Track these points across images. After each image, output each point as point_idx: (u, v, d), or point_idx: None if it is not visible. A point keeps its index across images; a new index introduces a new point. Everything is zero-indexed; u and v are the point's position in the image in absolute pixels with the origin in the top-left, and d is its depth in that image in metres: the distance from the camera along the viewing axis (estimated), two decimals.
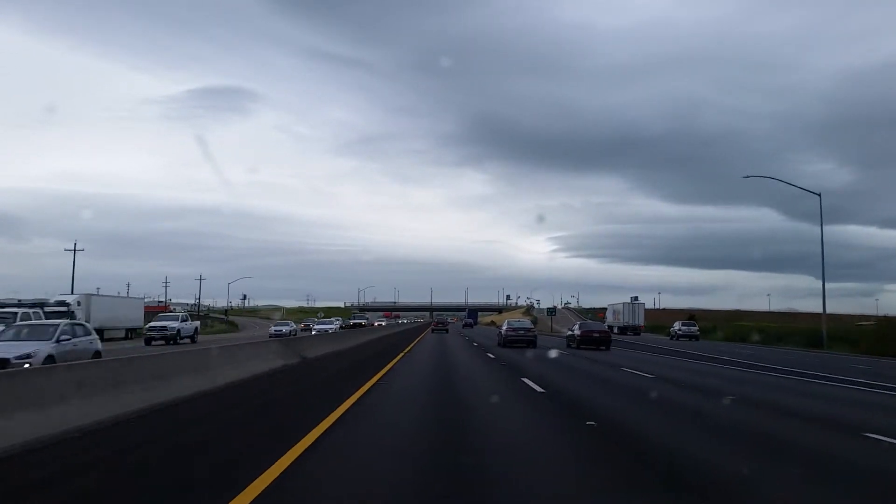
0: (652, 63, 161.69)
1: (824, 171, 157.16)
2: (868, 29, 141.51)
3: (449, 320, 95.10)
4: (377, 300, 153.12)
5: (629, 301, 69.24)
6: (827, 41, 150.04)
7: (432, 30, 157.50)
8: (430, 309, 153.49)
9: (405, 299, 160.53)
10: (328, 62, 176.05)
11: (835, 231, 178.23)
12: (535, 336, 33.73)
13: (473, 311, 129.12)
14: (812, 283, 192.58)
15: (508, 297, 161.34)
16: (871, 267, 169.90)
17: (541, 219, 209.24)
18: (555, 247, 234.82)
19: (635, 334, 63.33)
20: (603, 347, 31.44)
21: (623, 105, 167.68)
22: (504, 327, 34.46)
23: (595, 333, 32.48)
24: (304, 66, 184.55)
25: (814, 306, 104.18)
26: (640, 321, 67.36)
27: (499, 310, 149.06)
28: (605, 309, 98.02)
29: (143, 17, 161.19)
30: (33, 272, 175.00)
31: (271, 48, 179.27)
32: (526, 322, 37.44)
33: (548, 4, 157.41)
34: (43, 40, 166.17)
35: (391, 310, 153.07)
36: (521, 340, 31.70)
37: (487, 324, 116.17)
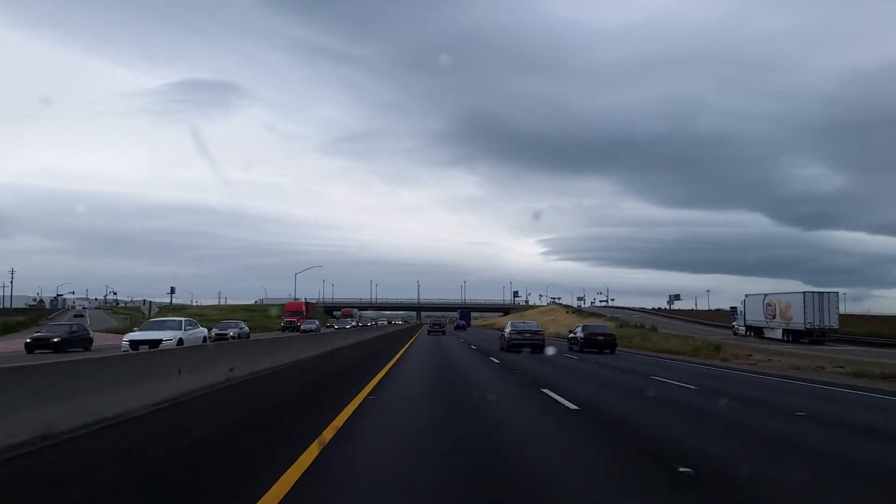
0: (647, 62, 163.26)
1: (817, 176, 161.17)
2: (870, 29, 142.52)
3: (444, 322, 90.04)
4: (363, 299, 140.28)
5: (812, 290, 47.03)
6: (828, 41, 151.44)
7: (424, 26, 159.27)
8: (419, 308, 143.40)
9: (389, 295, 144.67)
10: (316, 56, 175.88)
11: (824, 237, 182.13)
12: (543, 339, 31.60)
13: (466, 312, 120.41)
14: (800, 287, 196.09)
15: (517, 294, 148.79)
16: (858, 272, 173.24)
17: (536, 216, 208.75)
18: (544, 249, 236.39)
19: (818, 342, 43.91)
20: (607, 351, 30.82)
21: (617, 105, 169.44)
22: (508, 329, 32.24)
23: (599, 336, 31.84)
24: (291, 61, 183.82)
25: None
26: (834, 322, 46.37)
27: (505, 310, 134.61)
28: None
29: (127, 9, 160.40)
30: (17, 270, 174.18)
31: (258, 42, 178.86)
32: (532, 324, 34.93)
33: (542, 1, 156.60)
34: (26, 34, 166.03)
35: (369, 309, 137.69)
36: (527, 344, 29.78)
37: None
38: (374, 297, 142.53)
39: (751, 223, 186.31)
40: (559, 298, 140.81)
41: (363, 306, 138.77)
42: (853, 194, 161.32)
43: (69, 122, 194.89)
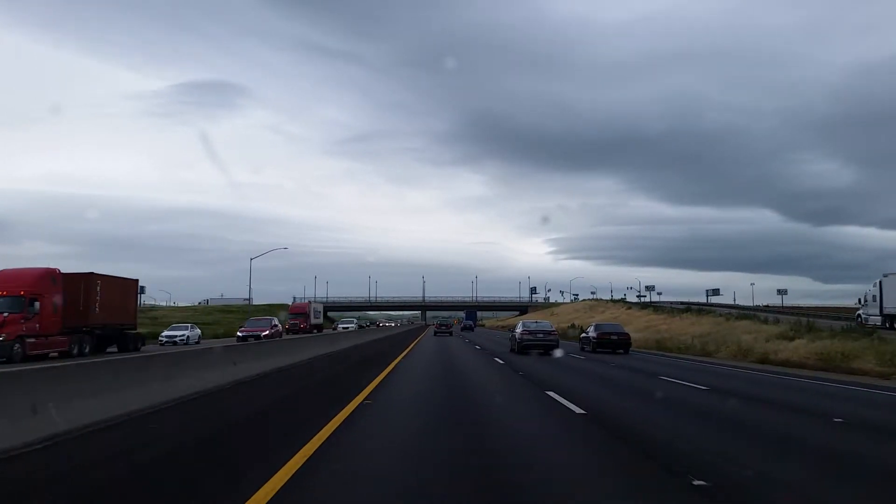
0: (653, 59, 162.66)
1: (827, 171, 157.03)
2: (877, 22, 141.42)
3: (451, 322, 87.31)
4: (365, 298, 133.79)
5: None
6: (834, 34, 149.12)
7: (428, 24, 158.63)
8: (424, 307, 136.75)
9: (389, 293, 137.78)
10: (319, 57, 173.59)
11: (835, 232, 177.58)
12: (557, 340, 29.97)
13: (472, 312, 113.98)
14: (810, 283, 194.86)
15: (534, 290, 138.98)
16: (870, 268, 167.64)
17: (544, 220, 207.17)
18: (552, 248, 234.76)
19: None
20: (621, 351, 30.37)
21: (623, 103, 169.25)
22: (518, 329, 30.43)
23: (613, 336, 31.40)
24: (295, 61, 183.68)
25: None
26: None
27: (522, 308, 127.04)
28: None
29: (128, 9, 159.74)
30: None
31: (261, 42, 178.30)
32: (545, 323, 32.73)
33: None
34: (26, 35, 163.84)
35: (368, 308, 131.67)
36: (540, 345, 28.37)
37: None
38: (373, 294, 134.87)
39: (760, 220, 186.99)
40: (594, 293, 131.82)
41: (363, 306, 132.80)
42: (863, 189, 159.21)
43: (70, 126, 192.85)
